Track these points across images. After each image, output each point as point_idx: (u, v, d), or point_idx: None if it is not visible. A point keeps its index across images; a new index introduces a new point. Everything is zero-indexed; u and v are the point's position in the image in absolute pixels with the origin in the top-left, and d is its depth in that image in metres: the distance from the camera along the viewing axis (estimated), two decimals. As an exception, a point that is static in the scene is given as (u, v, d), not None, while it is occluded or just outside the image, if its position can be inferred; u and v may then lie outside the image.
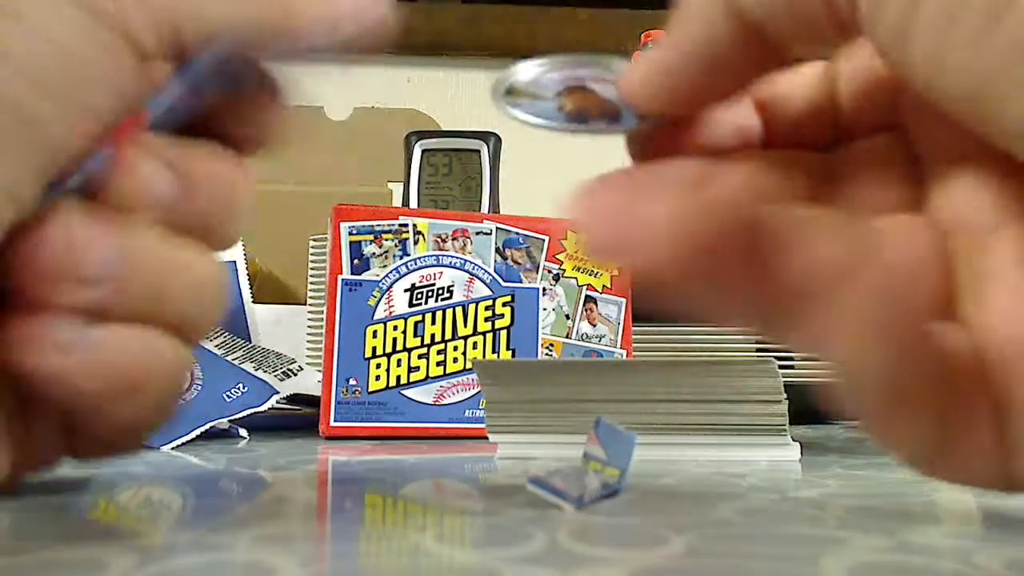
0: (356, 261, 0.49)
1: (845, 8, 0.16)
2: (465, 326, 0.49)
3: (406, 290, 0.49)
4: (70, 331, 0.19)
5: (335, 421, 0.47)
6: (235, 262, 0.65)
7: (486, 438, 0.39)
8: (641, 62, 0.19)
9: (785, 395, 0.35)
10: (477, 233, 0.51)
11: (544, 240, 0.52)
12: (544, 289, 0.51)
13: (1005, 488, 0.15)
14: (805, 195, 0.19)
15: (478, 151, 0.74)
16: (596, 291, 0.52)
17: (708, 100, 0.19)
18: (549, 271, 0.52)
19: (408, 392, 0.48)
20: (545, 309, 0.51)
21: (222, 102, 0.22)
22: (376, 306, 0.49)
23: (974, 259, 0.16)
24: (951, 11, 0.15)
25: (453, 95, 1.20)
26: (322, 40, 0.22)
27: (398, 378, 0.48)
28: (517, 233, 0.51)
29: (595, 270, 0.52)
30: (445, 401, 0.48)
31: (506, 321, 0.50)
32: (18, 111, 0.18)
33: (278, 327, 0.66)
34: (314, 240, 0.65)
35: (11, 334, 0.19)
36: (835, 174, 0.20)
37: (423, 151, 0.74)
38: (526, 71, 0.22)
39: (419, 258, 0.49)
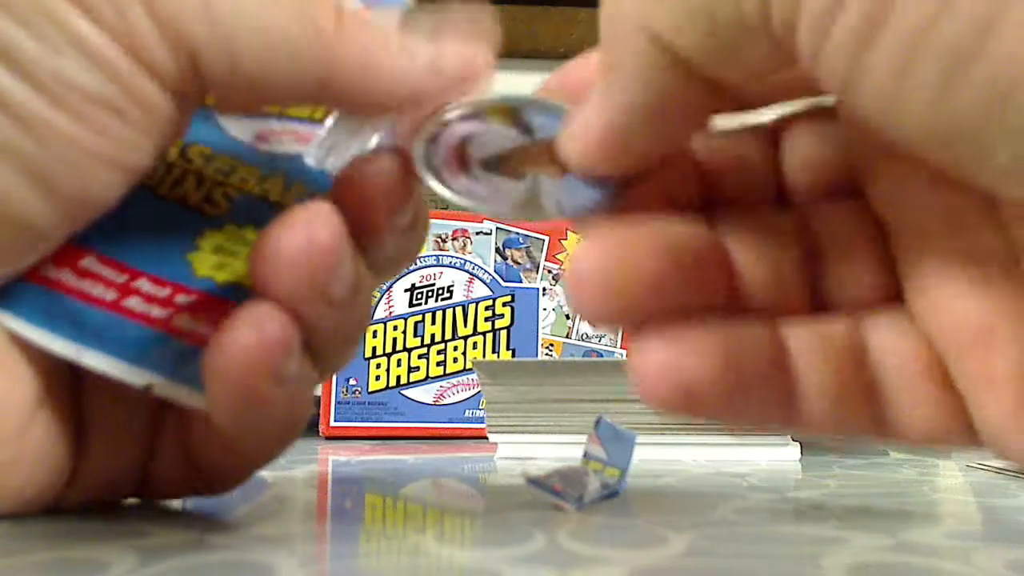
0: (356, 261, 0.49)
1: (787, 47, 0.15)
2: (465, 326, 0.49)
3: (406, 290, 0.49)
4: (296, 366, 0.19)
5: (335, 421, 0.47)
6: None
7: (486, 438, 0.39)
8: (581, 127, 0.18)
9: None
10: (477, 233, 0.51)
11: (544, 240, 0.52)
12: (544, 289, 0.51)
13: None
14: (796, 284, 0.18)
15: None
16: (596, 291, 0.52)
17: (661, 150, 0.18)
18: (549, 271, 0.52)
19: (408, 392, 0.48)
20: (545, 309, 0.51)
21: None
22: (376, 306, 0.49)
23: (968, 368, 0.16)
24: (910, 48, 0.13)
25: (453, 95, 1.20)
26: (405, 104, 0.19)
27: (398, 378, 0.48)
28: (517, 233, 0.51)
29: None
30: (445, 401, 0.48)
31: (506, 321, 0.50)
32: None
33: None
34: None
35: (237, 340, 0.18)
36: (807, 248, 0.19)
37: (423, 151, 0.74)
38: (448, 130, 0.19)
39: (419, 258, 0.49)
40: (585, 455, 0.24)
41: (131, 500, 0.22)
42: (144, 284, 0.19)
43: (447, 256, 0.50)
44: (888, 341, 0.17)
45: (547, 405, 0.37)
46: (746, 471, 0.30)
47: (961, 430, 0.17)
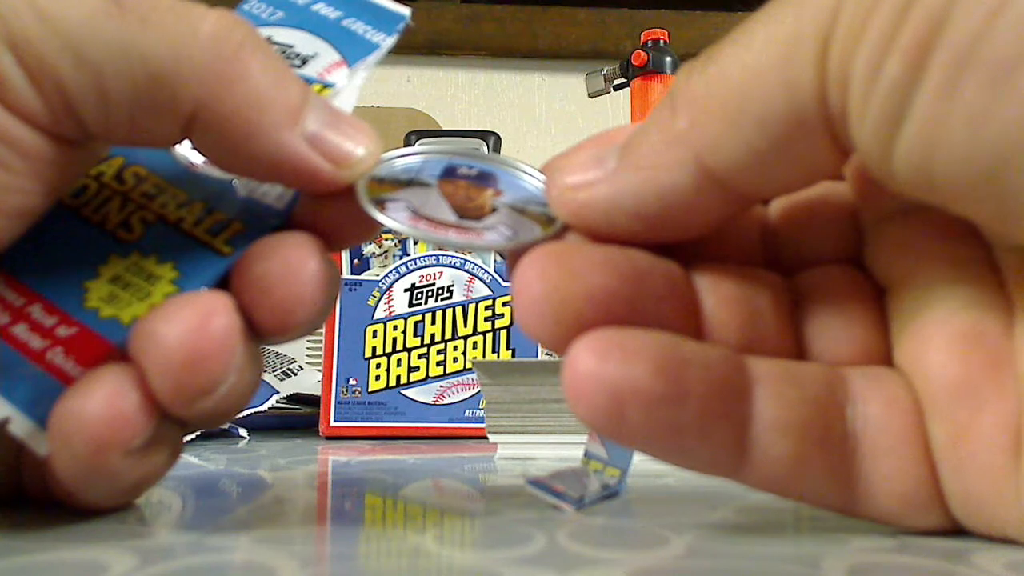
0: (356, 261, 0.49)
1: (848, 141, 0.15)
2: (465, 326, 0.49)
3: (406, 290, 0.49)
4: (150, 437, 0.17)
5: (335, 421, 0.47)
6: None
7: (486, 438, 0.39)
8: (580, 184, 0.17)
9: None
10: (477, 233, 0.51)
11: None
12: (544, 289, 0.51)
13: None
14: (773, 330, 0.17)
15: (477, 150, 0.74)
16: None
17: (646, 241, 0.17)
18: (549, 271, 0.52)
19: (408, 392, 0.48)
20: (545, 309, 0.51)
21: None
22: (376, 306, 0.49)
23: (956, 440, 0.16)
24: (953, 75, 0.13)
25: (453, 95, 1.20)
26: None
27: (398, 378, 0.48)
28: (517, 233, 0.51)
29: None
30: (445, 401, 0.48)
31: (506, 321, 0.50)
32: None
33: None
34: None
35: (86, 408, 0.17)
36: (794, 304, 0.18)
37: (423, 150, 0.74)
38: (399, 160, 0.19)
39: (419, 258, 0.49)
40: (585, 454, 0.24)
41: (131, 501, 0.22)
42: (36, 310, 0.18)
43: (447, 256, 0.50)
44: (872, 391, 0.17)
45: (547, 405, 0.37)
46: (746, 471, 0.30)
47: (929, 501, 0.16)
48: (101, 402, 0.17)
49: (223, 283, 0.19)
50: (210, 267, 0.19)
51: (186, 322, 0.17)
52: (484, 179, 0.20)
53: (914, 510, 0.16)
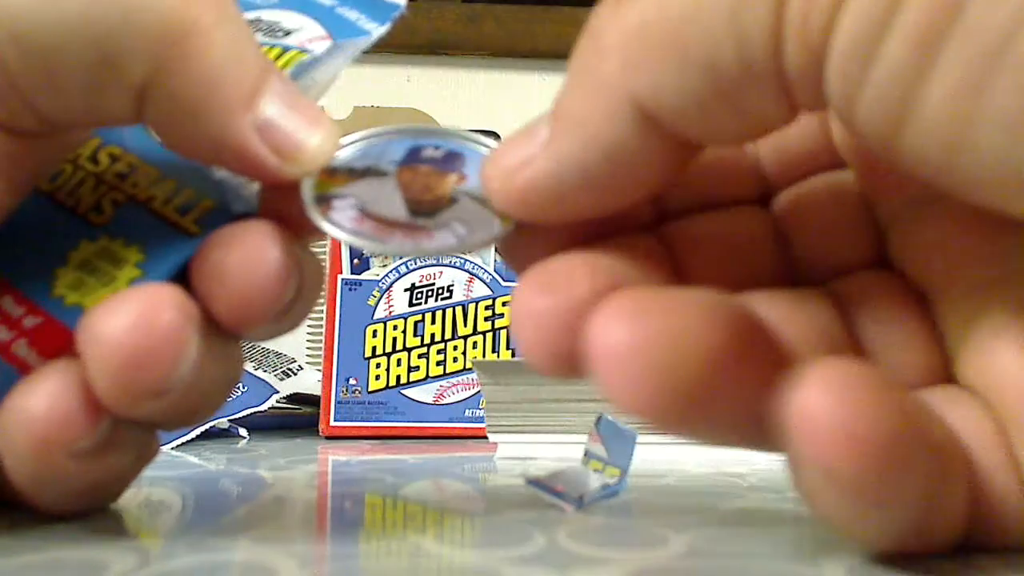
0: (356, 261, 0.49)
1: (800, 96, 0.13)
2: (465, 326, 0.49)
3: (406, 289, 0.49)
4: (99, 441, 0.17)
5: (335, 421, 0.47)
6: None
7: (486, 438, 0.39)
8: (514, 168, 0.15)
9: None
10: (477, 233, 0.51)
11: (544, 240, 0.52)
12: (544, 289, 0.51)
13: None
14: (830, 344, 0.16)
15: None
16: (596, 291, 0.52)
17: (607, 210, 0.15)
18: (549, 271, 0.52)
19: (408, 392, 0.48)
20: (545, 309, 0.51)
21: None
22: (376, 306, 0.49)
23: None
24: (985, 63, 0.11)
25: (453, 94, 1.20)
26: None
27: (398, 378, 0.48)
28: (517, 233, 0.51)
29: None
30: (445, 401, 0.48)
31: (506, 321, 0.50)
32: None
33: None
34: (314, 240, 0.65)
35: (27, 406, 0.16)
36: (844, 318, 0.16)
37: (423, 150, 0.74)
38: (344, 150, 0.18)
39: (419, 257, 0.49)
40: (586, 453, 0.24)
41: (131, 499, 0.22)
42: (7, 302, 0.18)
43: (447, 255, 0.50)
44: (952, 417, 0.15)
45: (547, 405, 0.37)
46: (746, 471, 0.30)
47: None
48: (43, 400, 0.16)
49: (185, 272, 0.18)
50: (176, 250, 0.18)
51: (128, 317, 0.16)
52: (450, 162, 0.18)
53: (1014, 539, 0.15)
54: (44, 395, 0.16)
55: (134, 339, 0.16)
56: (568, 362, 0.14)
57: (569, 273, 0.14)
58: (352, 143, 0.19)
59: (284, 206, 0.18)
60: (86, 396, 0.16)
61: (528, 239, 0.17)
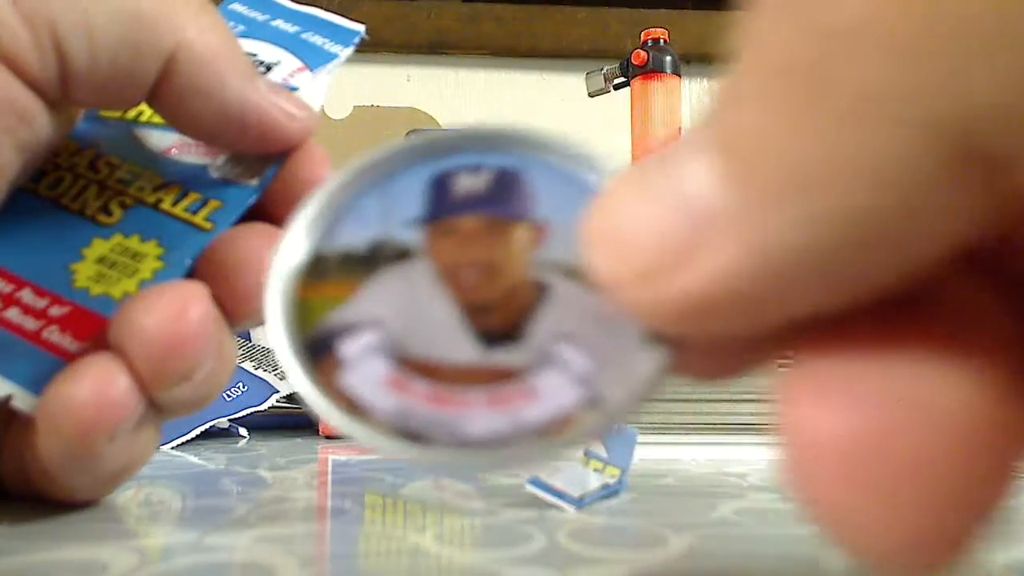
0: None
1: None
2: (465, 325, 0.49)
3: (406, 289, 0.49)
4: (136, 423, 0.18)
5: (335, 420, 0.47)
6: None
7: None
8: (667, 260, 0.09)
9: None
10: (477, 232, 0.50)
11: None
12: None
13: None
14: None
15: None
16: (596, 290, 0.52)
17: (848, 299, 0.09)
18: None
19: (408, 391, 0.48)
20: (545, 308, 0.51)
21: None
22: (376, 305, 0.48)
23: None
24: None
25: (453, 94, 1.20)
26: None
27: (398, 377, 0.48)
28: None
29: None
30: (445, 401, 0.48)
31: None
32: None
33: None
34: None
35: (74, 395, 0.17)
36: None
37: (423, 150, 0.74)
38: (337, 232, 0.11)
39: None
40: (586, 453, 0.24)
41: (131, 499, 0.22)
42: (26, 295, 0.19)
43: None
44: None
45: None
46: (746, 471, 0.30)
47: None
48: (90, 387, 0.17)
49: (190, 273, 0.20)
50: (194, 242, 0.20)
51: (165, 311, 0.18)
52: (506, 196, 0.11)
53: None
54: (90, 382, 0.17)
55: (173, 328, 0.17)
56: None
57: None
58: (337, 186, 0.11)
59: (285, 207, 0.19)
60: (128, 383, 0.18)
61: (702, 358, 0.11)
